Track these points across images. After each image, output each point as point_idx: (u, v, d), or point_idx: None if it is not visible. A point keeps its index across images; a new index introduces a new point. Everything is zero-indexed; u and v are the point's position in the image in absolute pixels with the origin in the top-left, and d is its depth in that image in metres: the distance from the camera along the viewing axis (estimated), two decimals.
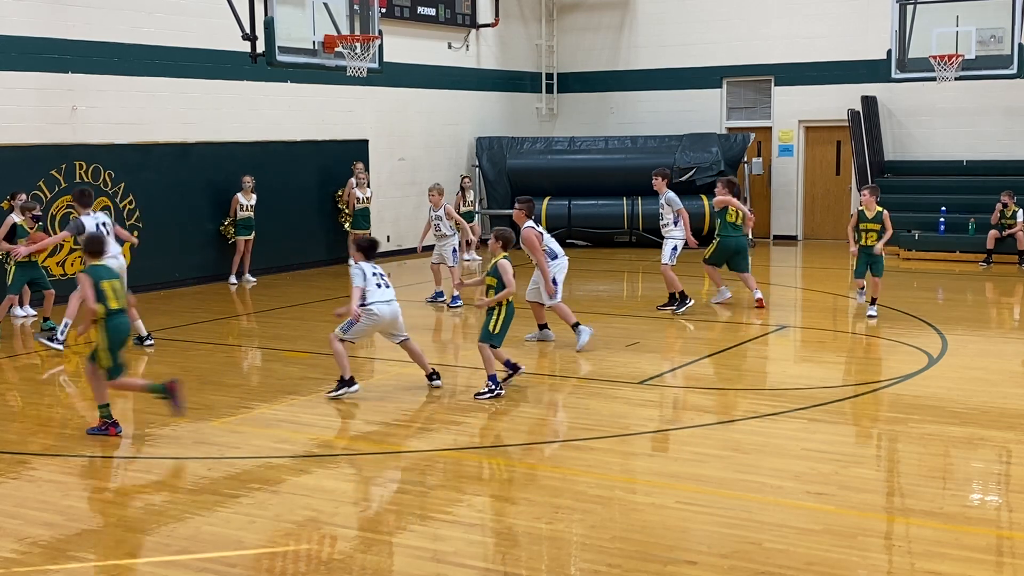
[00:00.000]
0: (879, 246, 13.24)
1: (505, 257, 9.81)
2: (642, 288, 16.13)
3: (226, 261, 17.14)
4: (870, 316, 13.13)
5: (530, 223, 11.62)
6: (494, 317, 9.72)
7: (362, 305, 9.59)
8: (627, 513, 6.79)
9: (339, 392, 9.66)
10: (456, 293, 14.75)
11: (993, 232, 18.32)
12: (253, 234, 17.22)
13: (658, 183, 14.13)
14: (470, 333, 13.65)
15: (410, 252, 21.03)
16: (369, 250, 9.86)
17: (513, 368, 10.10)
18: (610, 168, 21.72)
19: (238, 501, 7.07)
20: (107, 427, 8.56)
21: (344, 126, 19.59)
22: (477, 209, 21.50)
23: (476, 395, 9.62)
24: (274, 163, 18.12)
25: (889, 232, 13.34)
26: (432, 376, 10.03)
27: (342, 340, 9.71)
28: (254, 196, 17.22)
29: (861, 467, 7.85)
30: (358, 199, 18.57)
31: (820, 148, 22.95)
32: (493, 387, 9.60)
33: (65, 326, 11.72)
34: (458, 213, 20.23)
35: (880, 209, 13.37)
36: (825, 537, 6.30)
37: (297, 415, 9.24)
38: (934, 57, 17.97)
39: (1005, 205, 18.42)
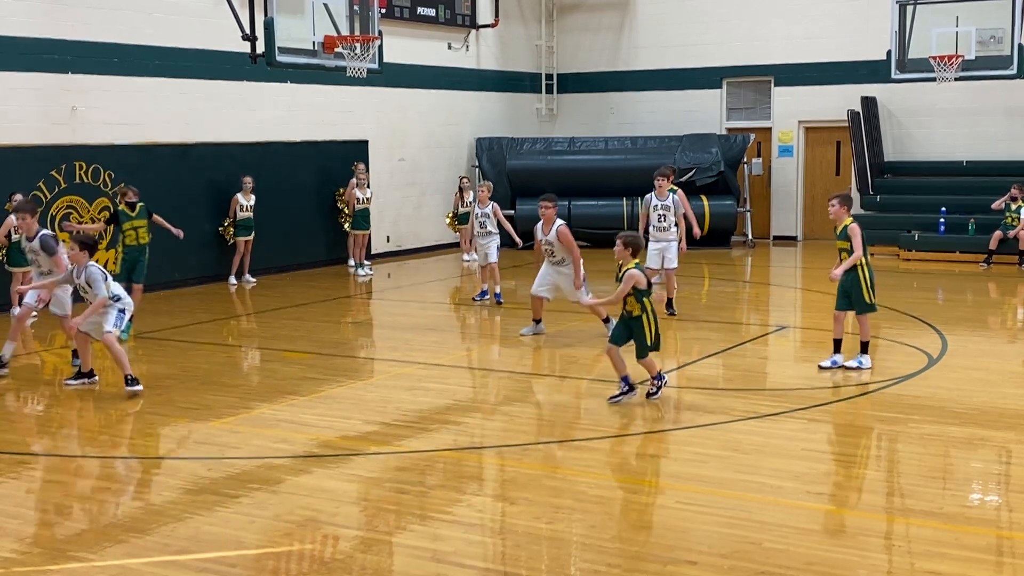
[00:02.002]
0: (835, 272, 10.40)
1: (636, 265, 9.14)
2: None
3: (226, 261, 17.13)
4: (824, 367, 10.58)
5: (560, 220, 12.16)
6: (646, 329, 9.08)
7: (116, 299, 9.95)
8: (627, 513, 6.79)
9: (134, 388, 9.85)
10: (485, 287, 14.90)
11: (997, 233, 18.29)
12: (253, 234, 17.20)
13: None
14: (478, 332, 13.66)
15: (410, 253, 21.06)
16: (94, 248, 10.20)
17: (629, 387, 9.38)
18: (610, 168, 21.72)
19: (238, 501, 7.07)
20: None
21: (344, 126, 19.59)
22: None
23: (649, 395, 9.30)
24: (274, 164, 18.11)
25: (856, 254, 10.22)
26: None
27: (119, 338, 10.07)
28: (254, 196, 17.21)
29: (861, 467, 7.86)
30: (358, 199, 18.56)
31: (820, 149, 22.96)
32: (659, 382, 9.33)
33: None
34: (457, 213, 20.32)
35: (849, 222, 10.40)
36: (825, 537, 6.31)
37: (297, 415, 9.24)
38: (934, 58, 17.98)
39: (1014, 199, 18.39)
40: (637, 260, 9.19)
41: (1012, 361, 11.28)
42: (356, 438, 8.57)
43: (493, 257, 14.66)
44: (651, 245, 13.54)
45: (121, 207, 13.66)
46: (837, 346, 10.65)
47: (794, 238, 22.93)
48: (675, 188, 14.10)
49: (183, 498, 7.15)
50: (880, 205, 21.01)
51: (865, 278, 10.37)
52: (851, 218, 10.47)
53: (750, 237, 22.24)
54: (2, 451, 8.24)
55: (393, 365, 11.36)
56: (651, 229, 13.69)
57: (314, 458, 8.00)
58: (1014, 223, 18.26)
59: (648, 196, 13.80)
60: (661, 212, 13.68)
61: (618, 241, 9.23)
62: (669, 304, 13.51)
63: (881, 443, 8.53)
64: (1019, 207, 18.32)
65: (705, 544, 6.20)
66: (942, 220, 19.67)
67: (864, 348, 10.53)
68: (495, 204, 14.86)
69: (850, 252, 10.32)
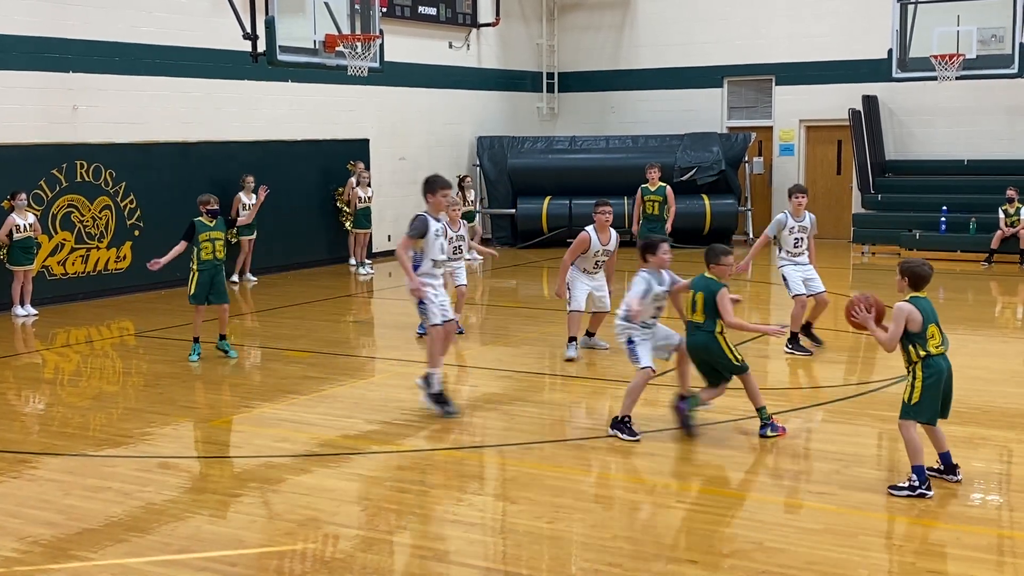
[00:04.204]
0: None
1: (913, 298, 7.24)
2: None
3: (228, 260, 17.10)
4: None
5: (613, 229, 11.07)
6: (908, 381, 7.21)
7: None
8: (628, 512, 6.79)
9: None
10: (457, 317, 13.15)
11: (999, 232, 18.30)
12: (255, 233, 17.21)
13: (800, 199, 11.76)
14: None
15: None
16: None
17: (949, 468, 7.26)
18: (611, 168, 21.70)
19: (239, 500, 7.08)
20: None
21: (345, 125, 19.59)
22: (478, 208, 21.51)
23: (890, 489, 7.09)
24: (275, 162, 18.11)
25: None
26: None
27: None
28: (255, 195, 17.20)
29: (862, 466, 7.84)
30: (360, 198, 18.57)
31: (821, 147, 22.95)
32: (916, 482, 6.97)
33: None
34: (460, 212, 20.28)
35: None
36: (826, 536, 6.30)
37: (298, 414, 9.24)
38: (935, 56, 17.98)
39: (1010, 200, 18.40)
40: (918, 292, 7.28)
41: (1013, 360, 11.27)
42: (357, 437, 8.57)
43: (464, 279, 12.64)
44: (790, 270, 11.56)
45: (200, 218, 11.65)
46: None
47: None
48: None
49: (184, 497, 7.16)
50: (881, 204, 21.00)
51: None
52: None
53: (751, 236, 22.23)
54: (3, 450, 8.24)
55: (394, 364, 11.36)
56: (783, 254, 11.61)
57: (315, 457, 8.01)
58: (1016, 221, 18.28)
59: (781, 216, 11.56)
60: (799, 235, 11.48)
61: (898, 272, 7.43)
62: (808, 327, 11.70)
63: (882, 442, 8.53)
64: (1018, 208, 18.34)
65: (706, 543, 6.20)
66: (943, 219, 19.67)
67: None
68: (465, 223, 13.49)
69: None
